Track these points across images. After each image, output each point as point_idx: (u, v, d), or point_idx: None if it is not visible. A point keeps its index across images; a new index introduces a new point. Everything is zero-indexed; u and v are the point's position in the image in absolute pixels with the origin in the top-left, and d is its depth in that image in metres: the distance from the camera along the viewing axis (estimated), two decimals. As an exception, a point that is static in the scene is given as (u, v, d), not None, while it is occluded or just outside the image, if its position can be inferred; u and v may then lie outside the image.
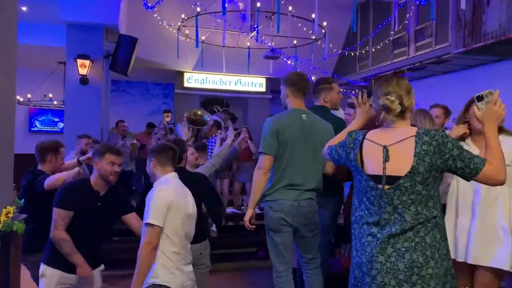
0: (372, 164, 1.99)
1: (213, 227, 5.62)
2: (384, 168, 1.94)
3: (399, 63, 8.97)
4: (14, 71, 2.74)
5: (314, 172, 3.09)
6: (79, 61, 6.93)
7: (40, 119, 11.59)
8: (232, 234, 6.10)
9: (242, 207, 6.18)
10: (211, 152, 5.26)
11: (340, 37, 10.73)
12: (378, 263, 1.92)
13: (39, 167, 3.36)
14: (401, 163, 1.91)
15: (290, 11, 6.94)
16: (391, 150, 1.95)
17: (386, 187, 1.93)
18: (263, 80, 11.83)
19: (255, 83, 11.84)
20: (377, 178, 1.96)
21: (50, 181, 3.10)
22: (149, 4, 6.86)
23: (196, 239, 3.00)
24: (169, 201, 2.53)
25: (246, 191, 7.15)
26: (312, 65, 9.03)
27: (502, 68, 7.64)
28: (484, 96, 1.95)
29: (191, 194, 2.80)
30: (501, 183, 1.89)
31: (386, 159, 1.94)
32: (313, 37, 8.06)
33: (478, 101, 1.97)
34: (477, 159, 1.87)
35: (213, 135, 5.87)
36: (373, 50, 9.55)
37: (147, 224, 2.47)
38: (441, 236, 1.93)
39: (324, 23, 7.74)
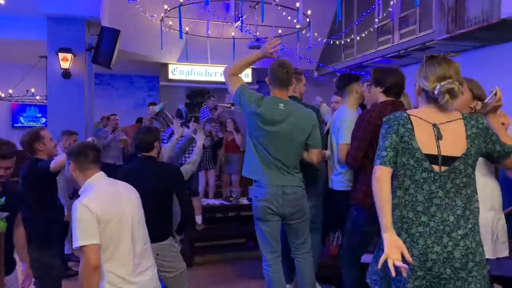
0: (424, 142, 1.90)
1: (198, 220, 5.60)
2: (439, 147, 1.89)
3: (384, 51, 8.99)
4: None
5: (291, 158, 3.07)
6: (61, 55, 6.79)
7: (24, 115, 11.41)
8: (220, 225, 6.10)
9: (230, 198, 6.18)
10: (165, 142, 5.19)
11: (325, 26, 10.71)
12: (434, 253, 1.85)
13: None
14: (454, 144, 1.91)
15: (274, 0, 6.89)
16: (442, 129, 1.92)
17: (443, 168, 1.88)
18: (248, 71, 11.76)
19: (241, 74, 11.75)
20: (431, 158, 1.89)
21: (56, 160, 3.04)
22: (131, -5, 6.75)
23: (153, 239, 2.67)
24: (95, 215, 2.18)
25: (232, 183, 7.15)
26: (297, 55, 9.01)
27: (485, 54, 7.70)
28: (492, 92, 2.23)
29: (131, 189, 2.51)
30: None
31: (439, 136, 1.90)
32: (298, 26, 8.03)
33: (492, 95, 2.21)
34: (507, 145, 2.01)
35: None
36: (358, 38, 9.55)
37: (81, 247, 2.14)
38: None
39: (309, 12, 7.71)
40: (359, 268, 3.07)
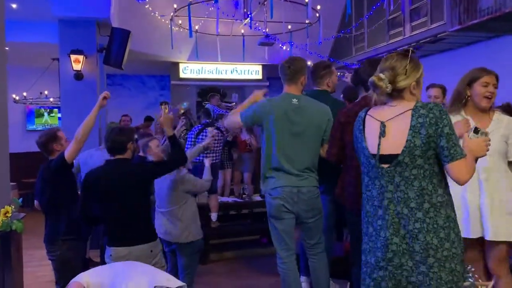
0: (373, 141, 1.97)
1: (213, 217, 5.63)
2: (379, 144, 1.93)
3: (395, 44, 8.90)
4: (5, 69, 2.71)
5: (304, 156, 3.06)
6: (73, 57, 6.87)
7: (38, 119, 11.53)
8: (234, 222, 6.13)
9: (243, 195, 6.19)
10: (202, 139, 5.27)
11: (335, 20, 10.64)
12: (393, 244, 1.90)
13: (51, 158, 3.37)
14: (397, 139, 1.90)
15: (282, -4, 6.86)
16: (388, 126, 1.94)
17: (386, 165, 1.91)
18: (259, 67, 11.76)
19: (251, 71, 11.77)
20: (380, 158, 1.95)
21: (69, 149, 3.05)
22: (140, -4, 6.79)
23: (142, 238, 2.88)
24: None
25: (244, 181, 7.18)
26: (308, 50, 8.96)
27: (498, 44, 7.58)
28: (480, 132, 2.06)
29: None
30: (461, 183, 1.91)
31: (382, 134, 1.93)
32: (308, 22, 7.98)
33: (473, 132, 2.05)
34: (459, 149, 1.87)
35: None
36: (369, 31, 9.47)
37: None
38: (454, 215, 1.93)
39: (318, 7, 7.66)
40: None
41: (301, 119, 3.04)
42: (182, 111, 6.66)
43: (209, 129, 5.62)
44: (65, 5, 6.67)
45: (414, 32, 8.39)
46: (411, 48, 2.00)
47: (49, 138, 3.29)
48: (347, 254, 3.95)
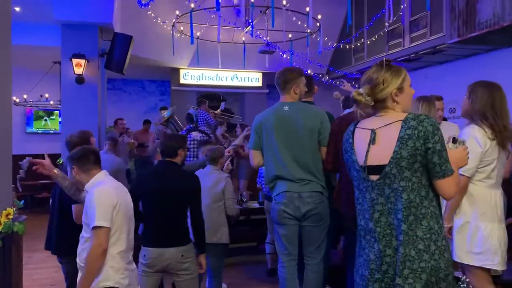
0: (362, 151, 1.97)
1: None
2: (367, 152, 1.93)
3: (394, 55, 8.98)
4: (10, 72, 2.74)
5: (302, 161, 3.10)
6: (75, 61, 6.90)
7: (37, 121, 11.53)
8: (232, 229, 6.11)
9: (241, 202, 6.21)
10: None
11: (335, 30, 10.72)
12: (387, 256, 1.88)
13: None
14: (386, 149, 1.89)
15: (284, 5, 6.93)
16: (378, 134, 1.93)
17: (375, 177, 1.91)
18: (259, 75, 11.82)
19: (251, 78, 11.83)
20: (368, 169, 1.94)
21: (76, 217, 2.99)
22: (143, 2, 6.84)
23: (180, 241, 3.00)
24: (113, 200, 2.46)
25: (240, 187, 7.22)
26: (307, 59, 9.03)
27: (497, 57, 7.65)
28: (458, 141, 2.07)
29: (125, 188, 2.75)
30: (448, 198, 1.96)
31: (372, 141, 1.92)
32: (308, 31, 8.05)
33: (452, 142, 2.06)
34: (449, 165, 1.87)
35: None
36: (368, 42, 9.54)
37: (95, 227, 2.38)
38: (439, 227, 1.88)
39: (319, 16, 7.74)
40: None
41: (293, 124, 3.10)
42: (166, 119, 6.71)
43: (193, 133, 5.69)
44: (68, 9, 6.72)
45: (414, 44, 8.46)
46: (385, 59, 2.01)
47: (82, 140, 3.26)
48: (343, 262, 3.97)
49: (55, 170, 2.74)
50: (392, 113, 1.97)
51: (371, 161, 1.93)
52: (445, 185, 1.87)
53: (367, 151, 1.93)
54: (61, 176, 2.75)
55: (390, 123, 1.92)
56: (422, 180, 1.88)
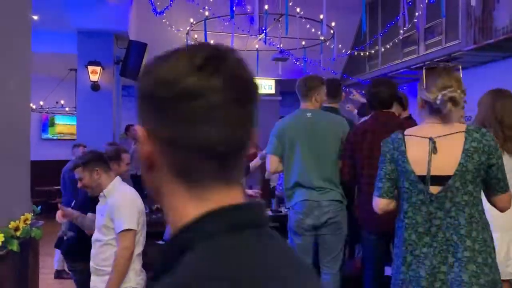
0: (421, 161, 1.82)
1: None
2: (429, 161, 1.79)
3: (409, 62, 8.92)
4: (29, 80, 2.78)
5: (323, 169, 3.08)
6: (90, 68, 7.00)
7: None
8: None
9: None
10: None
11: (349, 37, 10.68)
12: (441, 273, 1.79)
13: None
14: (448, 160, 1.79)
15: (298, 13, 6.93)
16: (439, 143, 1.81)
17: (436, 190, 1.79)
18: (272, 82, 11.81)
19: (265, 85, 11.83)
20: (425, 180, 1.82)
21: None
22: (158, 10, 6.91)
23: None
24: (138, 205, 2.58)
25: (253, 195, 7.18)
26: (321, 66, 9.01)
27: (514, 64, 7.56)
28: None
29: None
30: (505, 211, 1.92)
31: (433, 150, 1.80)
32: (322, 38, 8.04)
33: None
34: (507, 181, 1.86)
35: None
36: (383, 49, 9.49)
37: (124, 231, 2.44)
38: (491, 239, 1.84)
39: (333, 24, 7.72)
40: (378, 282, 3.00)
41: (316, 132, 3.09)
42: None
43: None
44: (85, 17, 6.81)
45: (429, 51, 8.40)
46: (450, 61, 1.99)
47: (114, 155, 3.26)
48: (359, 272, 3.91)
49: (74, 213, 2.93)
50: (451, 123, 1.87)
51: (433, 171, 1.82)
52: (505, 199, 1.86)
53: (429, 161, 1.80)
54: (79, 215, 2.91)
55: (452, 133, 1.82)
56: (479, 194, 1.84)
